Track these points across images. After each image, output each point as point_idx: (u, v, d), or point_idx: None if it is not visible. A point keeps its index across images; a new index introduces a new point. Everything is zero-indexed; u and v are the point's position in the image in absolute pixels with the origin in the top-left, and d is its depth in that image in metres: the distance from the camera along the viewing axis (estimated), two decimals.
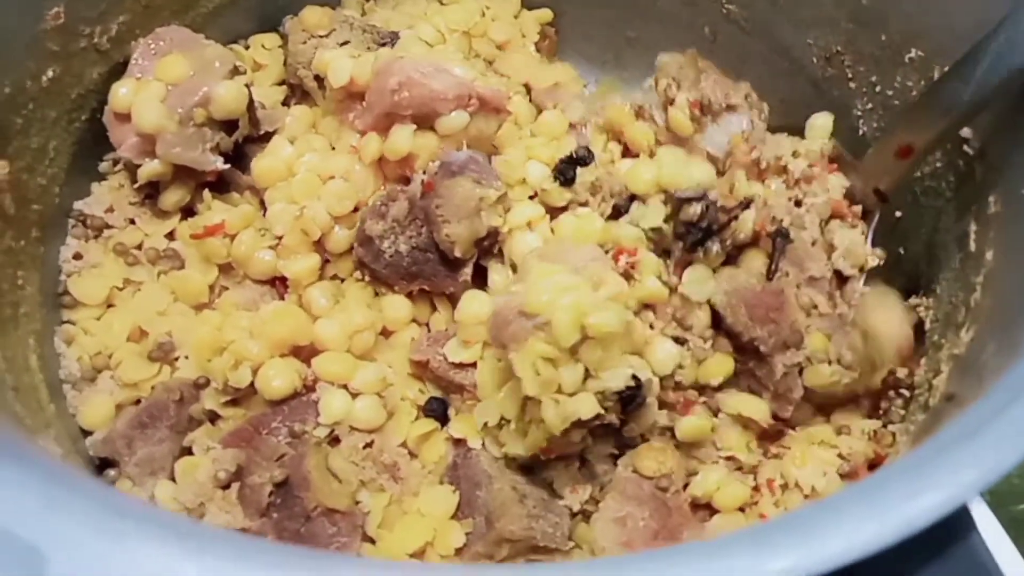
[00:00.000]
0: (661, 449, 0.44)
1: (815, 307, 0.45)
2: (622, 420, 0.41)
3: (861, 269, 0.47)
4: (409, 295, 0.50)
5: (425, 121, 0.49)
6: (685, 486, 0.44)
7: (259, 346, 0.45)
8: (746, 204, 0.45)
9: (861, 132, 0.54)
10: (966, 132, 0.44)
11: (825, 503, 0.24)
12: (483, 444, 0.45)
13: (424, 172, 0.48)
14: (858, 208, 0.48)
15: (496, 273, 0.49)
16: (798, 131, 0.60)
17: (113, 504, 0.23)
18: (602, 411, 0.39)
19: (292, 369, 0.45)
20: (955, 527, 0.26)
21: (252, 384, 0.45)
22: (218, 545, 0.22)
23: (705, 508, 0.44)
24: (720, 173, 0.48)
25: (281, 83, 0.58)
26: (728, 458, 0.45)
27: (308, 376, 0.46)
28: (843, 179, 0.48)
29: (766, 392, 0.45)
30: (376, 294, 0.51)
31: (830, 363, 0.44)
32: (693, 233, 0.45)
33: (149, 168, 0.50)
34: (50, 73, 0.48)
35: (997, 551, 0.26)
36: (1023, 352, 0.28)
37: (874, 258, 0.47)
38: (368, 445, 0.46)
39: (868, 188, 0.48)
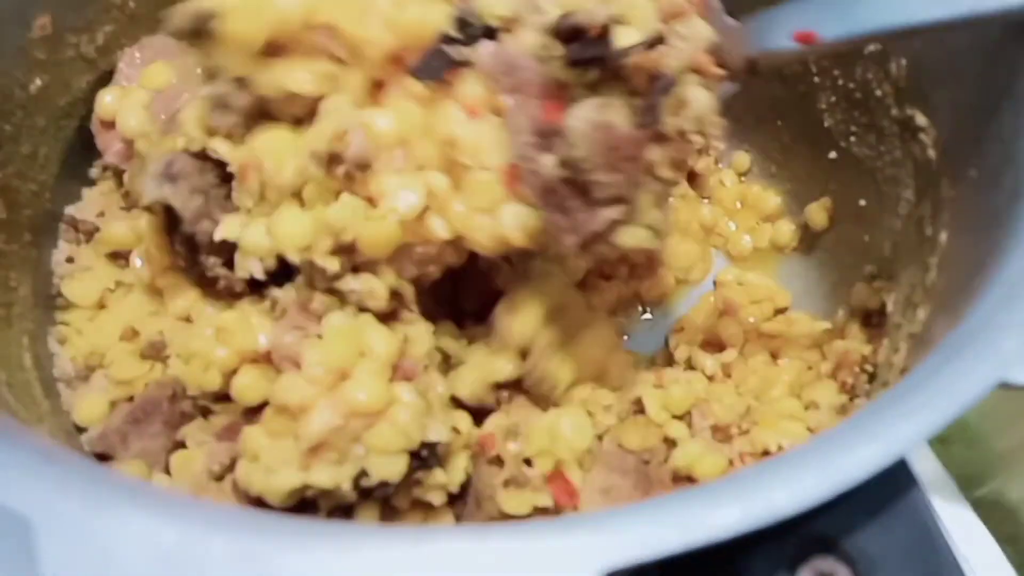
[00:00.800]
0: (645, 424, 0.46)
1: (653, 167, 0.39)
2: None
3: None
4: None
5: None
6: (666, 459, 0.45)
7: (226, 351, 0.45)
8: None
9: (826, 125, 0.56)
10: (921, 121, 0.46)
11: (771, 462, 0.25)
12: None
13: None
14: (721, 71, 0.41)
15: None
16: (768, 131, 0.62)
17: (101, 477, 0.24)
18: None
19: (264, 378, 0.44)
20: (899, 488, 0.28)
21: None
22: (210, 513, 0.23)
23: (686, 479, 0.45)
24: None
25: None
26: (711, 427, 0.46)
27: None
28: (711, 31, 0.41)
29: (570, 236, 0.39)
30: None
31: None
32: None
33: None
34: (38, 82, 0.49)
35: (943, 511, 0.28)
36: (962, 320, 0.29)
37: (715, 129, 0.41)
38: None
39: (740, 53, 0.41)
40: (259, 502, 0.43)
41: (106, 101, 0.51)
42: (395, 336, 0.41)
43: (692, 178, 0.64)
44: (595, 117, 0.38)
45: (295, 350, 0.41)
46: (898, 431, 0.25)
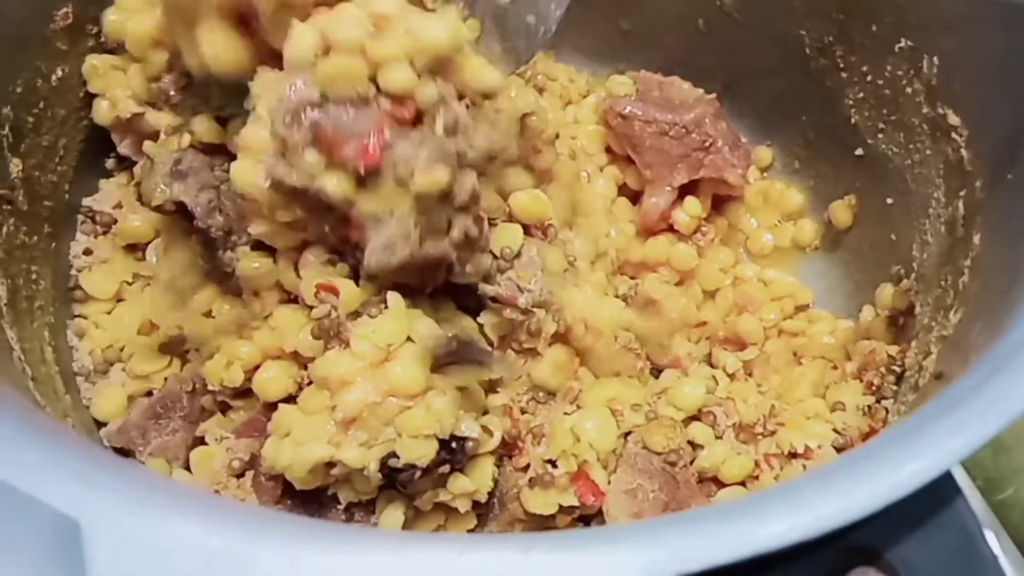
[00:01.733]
0: (670, 426, 0.45)
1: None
2: None
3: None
4: None
5: None
6: (692, 461, 0.45)
7: (250, 348, 0.45)
8: None
9: (853, 121, 0.56)
10: (954, 120, 0.46)
11: (817, 472, 0.25)
12: None
13: None
14: None
15: None
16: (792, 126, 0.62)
17: (148, 481, 0.24)
18: None
19: (286, 373, 0.45)
20: (943, 497, 0.28)
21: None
22: (247, 518, 0.23)
23: (711, 481, 0.45)
24: None
25: None
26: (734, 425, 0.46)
27: (304, 380, 0.45)
28: None
29: None
30: None
31: None
32: None
33: None
34: (59, 72, 0.49)
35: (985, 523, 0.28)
36: (1005, 330, 0.29)
37: None
38: None
39: None
40: (281, 492, 0.43)
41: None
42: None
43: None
44: None
45: (344, 327, 0.41)
46: (947, 444, 0.24)
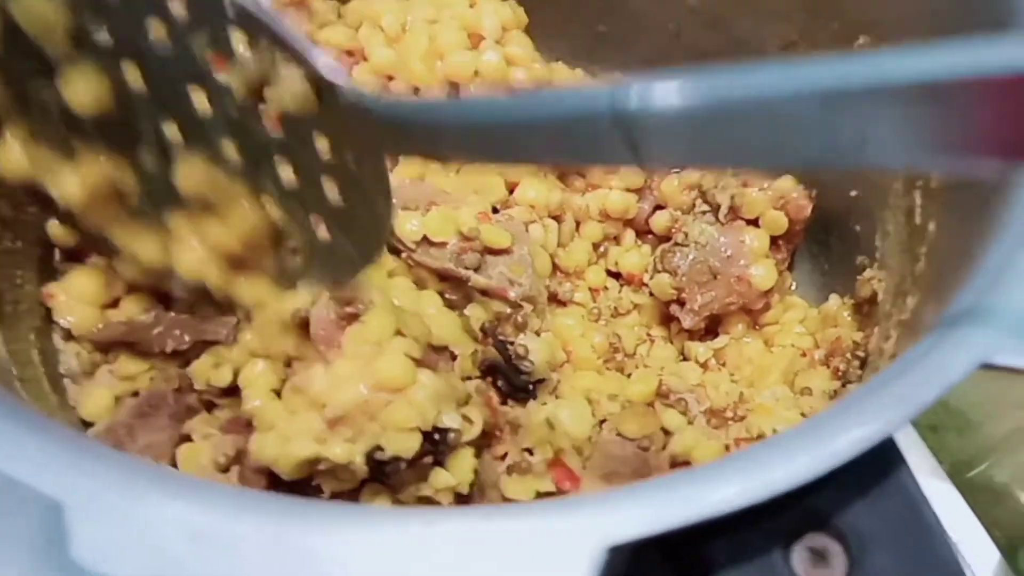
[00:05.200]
0: (643, 412, 0.47)
1: None
2: None
3: None
4: None
5: None
6: (664, 446, 0.47)
7: (239, 349, 0.46)
8: None
9: None
10: None
11: (765, 442, 0.26)
12: None
13: None
14: None
15: None
16: None
17: (130, 464, 0.25)
18: None
19: (272, 373, 0.45)
20: (888, 467, 0.29)
21: None
22: (232, 497, 0.24)
23: (683, 465, 0.47)
24: None
25: None
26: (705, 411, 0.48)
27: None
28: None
29: None
30: None
31: None
32: None
33: None
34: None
35: (934, 496, 0.29)
36: (947, 305, 0.31)
37: None
38: None
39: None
40: (266, 484, 0.44)
41: None
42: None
43: None
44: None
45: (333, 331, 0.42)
46: (886, 413, 0.26)
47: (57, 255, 0.53)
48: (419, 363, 0.42)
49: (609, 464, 0.45)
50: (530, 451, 0.46)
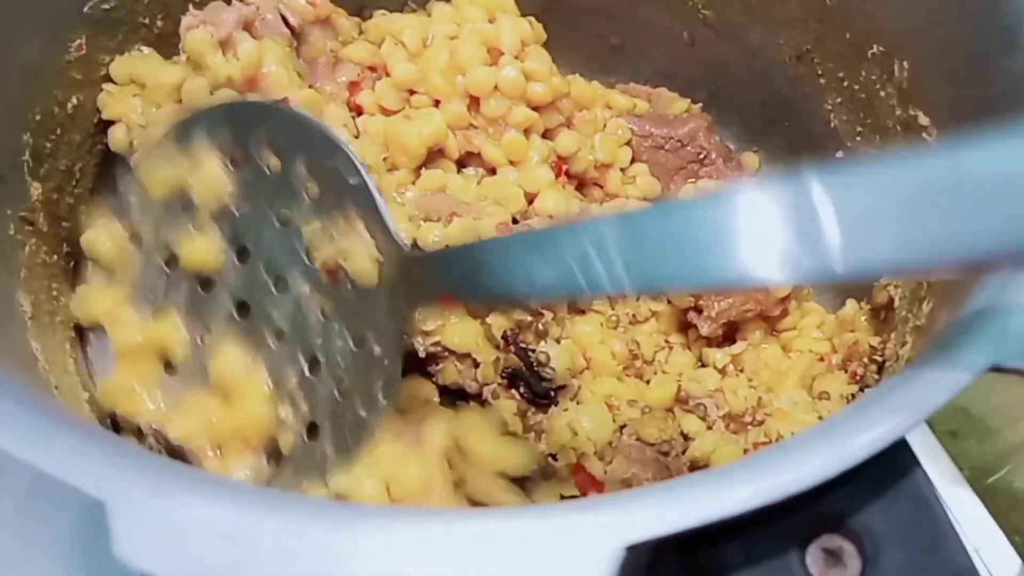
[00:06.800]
0: (662, 418, 0.48)
1: None
2: None
3: None
4: None
5: None
6: (684, 451, 0.47)
7: None
8: None
9: (833, 125, 0.58)
10: (924, 120, 0.48)
11: (779, 446, 0.27)
12: None
13: None
14: None
15: None
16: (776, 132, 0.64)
17: (166, 466, 0.26)
18: None
19: None
20: (901, 468, 0.30)
21: None
22: (258, 497, 0.25)
23: (703, 469, 0.47)
24: None
25: None
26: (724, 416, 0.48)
27: None
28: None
29: None
30: None
31: None
32: None
33: None
34: (74, 100, 0.52)
35: (942, 488, 0.30)
36: (958, 311, 0.31)
37: None
38: None
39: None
40: None
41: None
42: None
43: None
44: None
45: None
46: (898, 415, 0.26)
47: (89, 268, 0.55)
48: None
49: (630, 468, 0.46)
50: (554, 456, 0.47)
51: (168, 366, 0.44)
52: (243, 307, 0.43)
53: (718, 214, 0.24)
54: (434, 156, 0.56)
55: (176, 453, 0.41)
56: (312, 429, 0.40)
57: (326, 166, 0.39)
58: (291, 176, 0.40)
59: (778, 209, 0.23)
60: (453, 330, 0.47)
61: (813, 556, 0.29)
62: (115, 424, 0.45)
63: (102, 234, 0.46)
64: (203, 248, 0.43)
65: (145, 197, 0.45)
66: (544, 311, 0.52)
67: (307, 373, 0.40)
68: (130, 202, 0.45)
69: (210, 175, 0.43)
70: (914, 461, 0.30)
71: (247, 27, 0.53)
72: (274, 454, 0.40)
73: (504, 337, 0.49)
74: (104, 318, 0.45)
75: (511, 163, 0.57)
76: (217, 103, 0.47)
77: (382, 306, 0.38)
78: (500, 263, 0.30)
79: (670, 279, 0.26)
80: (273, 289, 0.41)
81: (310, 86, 0.56)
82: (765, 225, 0.23)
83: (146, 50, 0.54)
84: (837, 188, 0.23)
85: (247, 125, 0.41)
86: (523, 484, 0.45)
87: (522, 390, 0.49)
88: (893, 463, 0.29)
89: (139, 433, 0.43)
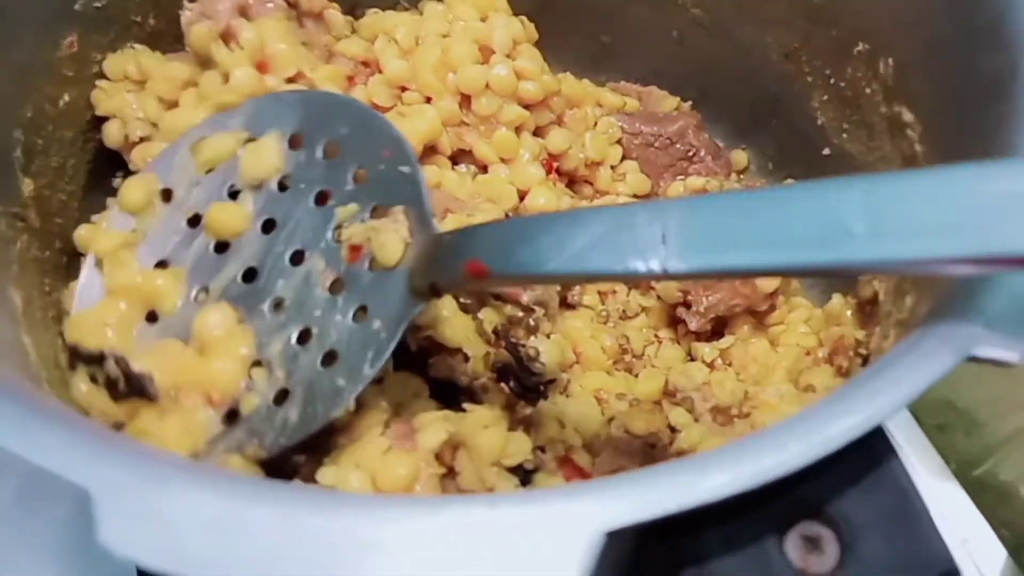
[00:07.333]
0: (650, 410, 0.48)
1: None
2: None
3: None
4: None
5: None
6: (671, 443, 0.48)
7: None
8: None
9: (820, 122, 0.58)
10: (908, 117, 0.48)
11: (758, 433, 0.28)
12: None
13: None
14: None
15: None
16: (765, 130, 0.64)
17: (152, 455, 0.27)
18: None
19: None
20: (879, 457, 0.30)
21: None
22: (243, 485, 0.26)
23: None
24: None
25: None
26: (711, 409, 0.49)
27: None
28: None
29: None
30: None
31: None
32: None
33: None
34: (66, 97, 0.52)
35: (917, 477, 0.30)
36: (937, 302, 0.32)
37: None
38: None
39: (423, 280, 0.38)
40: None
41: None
42: None
43: None
44: None
45: None
46: (874, 403, 0.27)
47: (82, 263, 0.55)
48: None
49: (618, 460, 0.46)
50: (542, 449, 0.47)
51: (151, 317, 0.44)
52: (249, 274, 0.43)
53: None
54: (428, 153, 0.57)
55: (134, 383, 0.40)
56: (281, 396, 0.40)
57: (381, 156, 0.41)
58: (343, 163, 0.42)
59: None
60: (444, 325, 0.47)
61: (792, 543, 0.30)
62: (73, 358, 0.45)
63: (136, 181, 0.47)
64: (233, 214, 0.44)
65: (190, 159, 0.46)
66: (535, 307, 0.52)
67: (293, 342, 0.40)
68: (173, 162, 0.47)
69: (266, 154, 0.44)
70: (891, 449, 0.30)
71: (243, 13, 0.53)
72: (230, 416, 0.40)
73: (495, 332, 0.50)
74: (106, 253, 0.45)
75: (502, 160, 0.57)
76: (291, 90, 0.51)
77: (397, 283, 0.39)
78: (548, 239, 0.31)
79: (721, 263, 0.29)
80: (287, 261, 0.42)
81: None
82: None
83: (138, 47, 0.55)
84: None
85: (318, 115, 0.44)
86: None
87: (512, 384, 0.49)
88: (871, 452, 0.30)
89: (99, 360, 0.43)
